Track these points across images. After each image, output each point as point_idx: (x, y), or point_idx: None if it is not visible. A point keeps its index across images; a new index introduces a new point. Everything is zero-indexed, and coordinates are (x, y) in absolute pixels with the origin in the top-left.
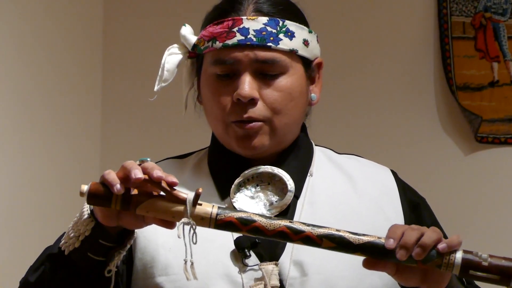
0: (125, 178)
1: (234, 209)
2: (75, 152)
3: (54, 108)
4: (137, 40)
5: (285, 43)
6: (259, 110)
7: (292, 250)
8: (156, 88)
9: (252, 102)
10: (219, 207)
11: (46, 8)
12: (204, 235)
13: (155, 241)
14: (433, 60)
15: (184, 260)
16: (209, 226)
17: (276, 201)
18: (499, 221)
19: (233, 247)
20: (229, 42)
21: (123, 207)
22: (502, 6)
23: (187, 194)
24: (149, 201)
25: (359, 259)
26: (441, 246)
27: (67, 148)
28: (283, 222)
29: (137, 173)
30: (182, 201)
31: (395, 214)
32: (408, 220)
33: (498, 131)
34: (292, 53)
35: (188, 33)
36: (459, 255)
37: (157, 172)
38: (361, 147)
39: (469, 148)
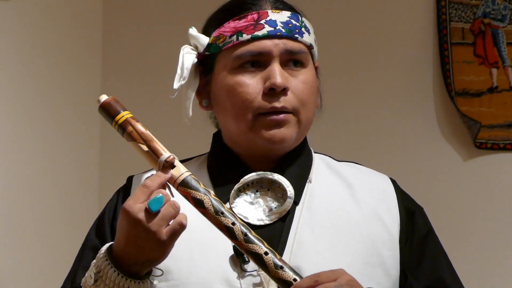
0: None
1: (199, 187)
2: (74, 154)
3: (54, 110)
4: (137, 43)
5: (306, 37)
6: (290, 100)
7: (290, 256)
8: (175, 86)
9: (284, 92)
10: (190, 177)
11: (45, 11)
12: (204, 241)
13: None
14: (432, 65)
15: None
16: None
17: (275, 207)
18: (498, 227)
19: (232, 252)
20: (259, 33)
21: (118, 132)
22: (501, 12)
23: (163, 155)
24: (138, 144)
25: (357, 265)
26: None
27: (66, 150)
28: (227, 223)
29: None
30: (157, 158)
31: (392, 221)
32: (404, 227)
33: (497, 137)
34: (310, 48)
35: (198, 33)
36: None
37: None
38: (360, 152)
39: (468, 154)
